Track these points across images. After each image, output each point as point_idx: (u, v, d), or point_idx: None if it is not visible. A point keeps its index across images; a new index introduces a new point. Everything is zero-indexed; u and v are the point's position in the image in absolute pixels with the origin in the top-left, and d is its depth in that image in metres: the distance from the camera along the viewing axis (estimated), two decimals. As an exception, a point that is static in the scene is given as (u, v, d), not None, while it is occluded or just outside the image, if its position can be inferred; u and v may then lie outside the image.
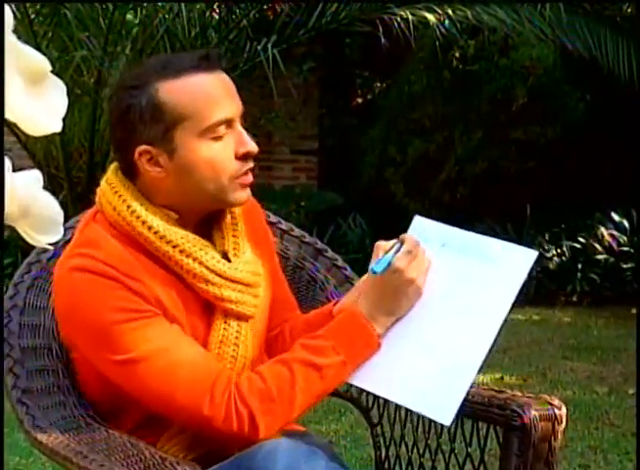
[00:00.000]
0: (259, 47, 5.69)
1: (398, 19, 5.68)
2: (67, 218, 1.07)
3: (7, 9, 0.85)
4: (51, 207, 0.96)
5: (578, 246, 6.93)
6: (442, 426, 1.75)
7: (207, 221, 1.77)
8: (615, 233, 6.95)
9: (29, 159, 5.81)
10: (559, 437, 1.76)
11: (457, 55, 6.92)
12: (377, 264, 1.70)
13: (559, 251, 6.94)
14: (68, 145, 5.76)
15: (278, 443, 1.60)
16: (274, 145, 8.07)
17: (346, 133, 8.17)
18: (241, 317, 1.74)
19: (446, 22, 5.90)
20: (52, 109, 0.91)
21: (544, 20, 6.01)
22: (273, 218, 2.11)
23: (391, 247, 1.72)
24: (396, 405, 1.96)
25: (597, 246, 6.92)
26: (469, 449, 1.89)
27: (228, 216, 1.78)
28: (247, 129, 1.72)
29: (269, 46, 5.62)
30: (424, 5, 5.82)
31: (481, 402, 1.81)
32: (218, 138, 1.68)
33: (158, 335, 1.64)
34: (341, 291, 2.05)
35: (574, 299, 6.85)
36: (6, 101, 0.87)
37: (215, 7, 6.06)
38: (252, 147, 1.71)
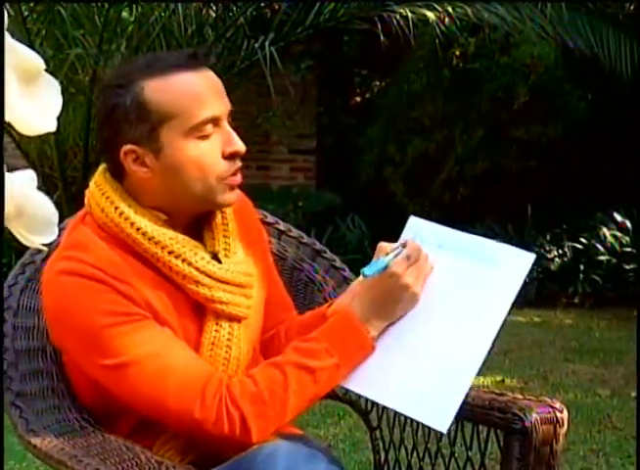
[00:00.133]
0: (257, 45, 5.70)
1: (397, 16, 5.69)
2: (61, 219, 1.07)
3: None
4: (45, 207, 0.96)
5: (580, 246, 6.90)
6: (441, 431, 1.75)
7: (198, 222, 1.77)
8: (617, 234, 6.92)
9: (23, 158, 5.81)
10: (560, 440, 1.76)
11: (457, 53, 6.92)
12: (369, 267, 1.69)
13: (560, 251, 6.91)
14: (62, 144, 5.74)
15: (278, 445, 1.59)
16: (271, 144, 8.08)
17: (345, 132, 8.16)
18: (233, 318, 1.73)
19: (446, 19, 5.88)
20: (46, 108, 0.91)
21: (545, 17, 6.03)
22: (271, 219, 2.11)
23: (393, 250, 1.70)
24: (395, 408, 1.94)
25: (599, 246, 6.89)
26: (469, 453, 1.89)
27: (219, 216, 1.77)
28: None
29: (267, 44, 5.62)
30: (423, 2, 5.83)
31: (482, 405, 1.81)
32: (205, 137, 1.67)
33: (148, 339, 1.63)
34: (339, 292, 2.04)
35: (576, 300, 6.82)
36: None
37: (212, 4, 6.05)
38: (240, 146, 1.70)
